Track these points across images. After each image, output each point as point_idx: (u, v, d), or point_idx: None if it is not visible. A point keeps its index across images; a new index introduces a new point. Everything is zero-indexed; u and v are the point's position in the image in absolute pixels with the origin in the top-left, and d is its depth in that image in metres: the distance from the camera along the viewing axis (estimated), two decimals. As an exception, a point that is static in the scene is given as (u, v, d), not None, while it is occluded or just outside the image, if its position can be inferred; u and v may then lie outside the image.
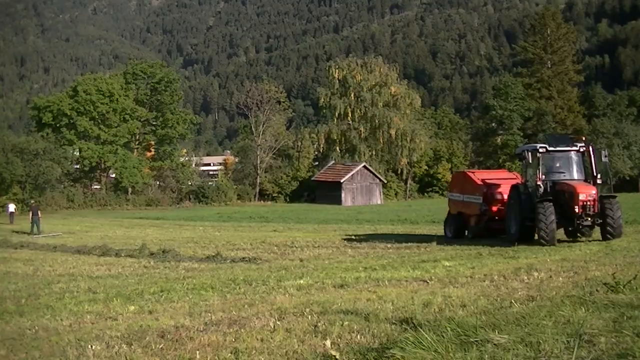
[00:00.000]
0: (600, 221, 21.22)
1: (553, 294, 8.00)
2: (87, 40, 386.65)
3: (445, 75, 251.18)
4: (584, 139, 23.87)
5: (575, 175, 22.58)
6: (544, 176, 22.35)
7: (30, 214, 40.15)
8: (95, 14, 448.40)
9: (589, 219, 21.22)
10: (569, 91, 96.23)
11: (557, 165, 23.04)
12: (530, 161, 22.82)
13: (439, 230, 31.93)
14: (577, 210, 21.01)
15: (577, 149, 22.74)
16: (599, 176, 22.26)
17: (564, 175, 22.70)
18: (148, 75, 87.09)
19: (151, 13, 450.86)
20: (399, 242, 24.83)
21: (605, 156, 22.57)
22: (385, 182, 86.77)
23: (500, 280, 10.35)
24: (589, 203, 21.01)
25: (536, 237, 21.37)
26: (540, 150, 22.62)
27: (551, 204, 21.10)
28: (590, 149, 22.66)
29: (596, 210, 21.11)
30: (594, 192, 21.30)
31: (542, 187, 21.96)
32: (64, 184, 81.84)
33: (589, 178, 22.53)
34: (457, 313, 7.17)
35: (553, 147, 22.87)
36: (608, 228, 21.08)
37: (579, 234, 22.57)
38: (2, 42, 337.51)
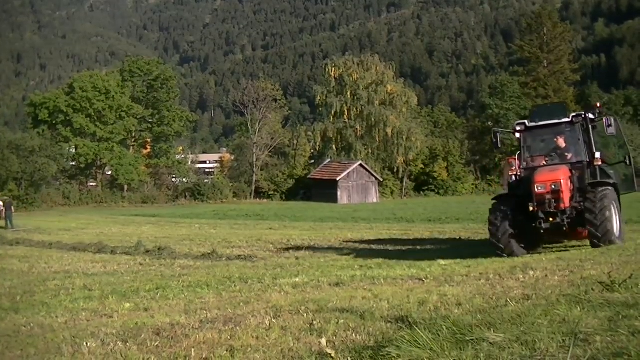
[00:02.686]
0: (566, 222, 15.68)
1: (549, 293, 8.00)
2: (83, 37, 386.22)
3: (442, 74, 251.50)
4: (598, 105, 18.05)
5: (575, 158, 16.89)
6: (525, 163, 17.41)
7: (4, 210, 40.40)
8: (92, 11, 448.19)
9: (551, 219, 15.68)
10: (565, 90, 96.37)
11: (546, 146, 17.84)
12: (499, 145, 18.73)
13: (436, 229, 31.92)
14: (530, 207, 15.78)
15: (568, 120, 17.05)
16: (597, 155, 16.52)
17: (554, 160, 17.21)
18: (144, 72, 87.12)
19: (148, 10, 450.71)
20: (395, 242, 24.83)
21: (609, 125, 16.46)
22: (382, 180, 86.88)
23: (496, 279, 10.35)
24: (547, 197, 15.59)
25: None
26: (518, 128, 17.59)
27: (506, 203, 16.68)
28: (587, 118, 16.97)
29: (563, 206, 15.61)
30: (561, 179, 15.69)
31: (515, 177, 17.21)
32: (60, 181, 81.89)
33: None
34: (452, 312, 7.17)
35: (535, 122, 17.54)
36: (590, 228, 15.48)
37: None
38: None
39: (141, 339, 6.85)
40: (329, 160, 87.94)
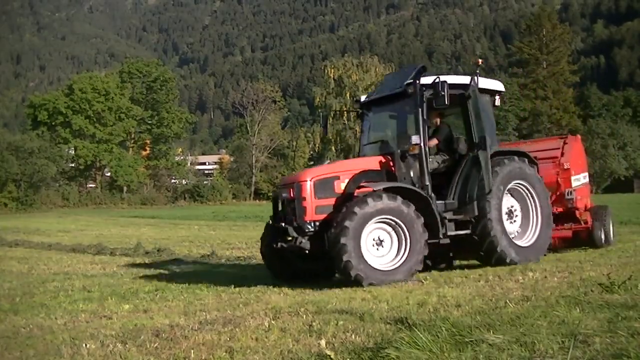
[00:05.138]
0: (305, 243, 11.03)
1: (548, 294, 8.01)
2: (83, 38, 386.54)
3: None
4: (480, 62, 12.98)
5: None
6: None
7: None
8: (91, 12, 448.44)
9: (289, 237, 11.38)
10: (565, 92, 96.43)
11: (390, 128, 13.48)
12: (328, 131, 12.55)
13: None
14: (270, 220, 12.46)
15: (401, 90, 11.97)
16: (414, 140, 11.57)
17: (384, 149, 12.53)
18: (144, 74, 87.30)
19: (147, 12, 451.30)
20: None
21: (438, 94, 11.25)
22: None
23: (495, 280, 10.35)
24: (285, 206, 11.69)
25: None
26: (356, 105, 13.77)
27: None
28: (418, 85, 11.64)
29: (296, 220, 11.23)
30: (305, 180, 11.22)
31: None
32: (59, 182, 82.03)
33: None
34: (452, 313, 7.17)
35: (375, 95, 13.14)
36: (335, 261, 10.47)
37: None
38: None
39: (140, 340, 6.85)
40: (328, 161, 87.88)
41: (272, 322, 7.54)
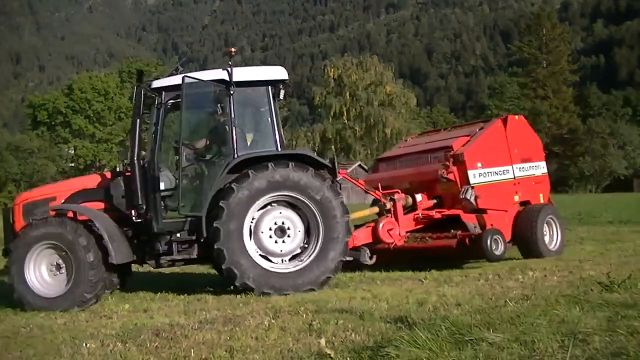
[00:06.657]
0: None
1: (548, 293, 8.02)
2: (82, 38, 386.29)
3: (441, 75, 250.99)
4: (232, 51, 11.00)
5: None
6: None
7: None
8: (90, 12, 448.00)
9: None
10: (564, 91, 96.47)
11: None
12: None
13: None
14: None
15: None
16: (121, 156, 10.46)
17: None
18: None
19: (147, 11, 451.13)
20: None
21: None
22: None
23: (494, 279, 10.36)
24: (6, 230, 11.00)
25: None
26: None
27: None
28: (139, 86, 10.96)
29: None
30: (16, 205, 10.90)
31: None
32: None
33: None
34: (451, 312, 7.18)
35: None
36: None
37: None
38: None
39: (140, 340, 6.85)
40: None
41: (272, 321, 7.54)
